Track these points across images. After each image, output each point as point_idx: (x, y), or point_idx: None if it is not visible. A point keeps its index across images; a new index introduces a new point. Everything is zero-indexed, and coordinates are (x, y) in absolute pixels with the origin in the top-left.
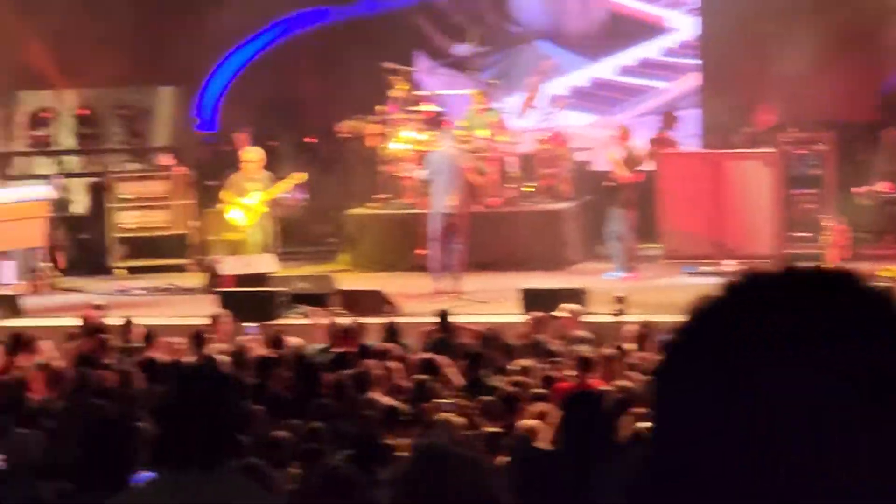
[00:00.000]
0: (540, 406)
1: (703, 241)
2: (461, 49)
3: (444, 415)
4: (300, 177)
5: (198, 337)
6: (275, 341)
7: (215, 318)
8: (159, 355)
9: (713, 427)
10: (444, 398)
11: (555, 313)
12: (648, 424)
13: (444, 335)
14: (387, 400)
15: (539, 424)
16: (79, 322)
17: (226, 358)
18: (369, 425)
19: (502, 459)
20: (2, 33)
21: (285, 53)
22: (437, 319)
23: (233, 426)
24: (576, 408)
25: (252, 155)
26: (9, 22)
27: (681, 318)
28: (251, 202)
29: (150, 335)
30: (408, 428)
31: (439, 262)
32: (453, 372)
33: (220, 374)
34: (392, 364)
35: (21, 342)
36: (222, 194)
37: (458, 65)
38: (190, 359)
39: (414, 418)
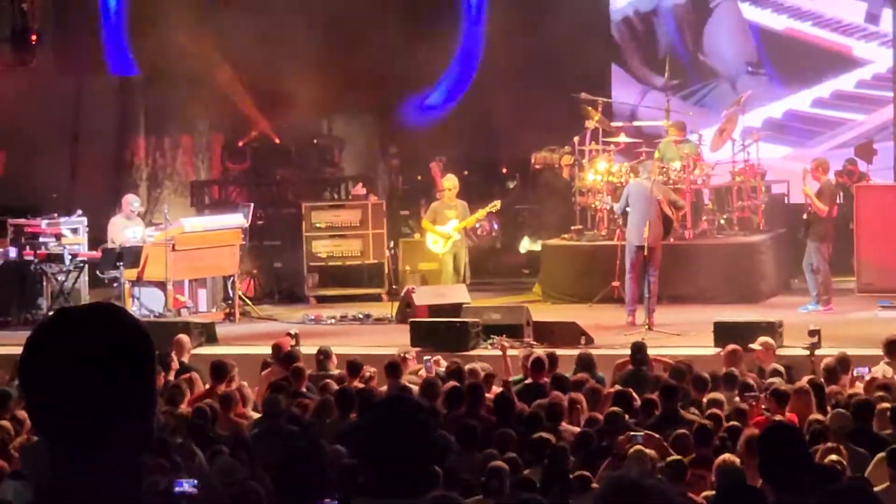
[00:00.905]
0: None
1: None
2: (657, 80)
3: (637, 447)
4: (494, 206)
5: (392, 366)
6: (468, 372)
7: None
8: (353, 384)
9: None
10: (636, 430)
11: (750, 346)
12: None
13: (637, 367)
14: (578, 431)
15: (738, 458)
16: (272, 350)
17: (415, 388)
18: (561, 456)
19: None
20: (200, 65)
21: (480, 84)
22: (631, 352)
23: (431, 457)
24: (774, 442)
25: (449, 183)
26: (206, 54)
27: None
28: (446, 230)
29: (353, 365)
30: (600, 459)
31: (633, 294)
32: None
33: (419, 404)
34: (585, 395)
35: (217, 370)
36: (423, 222)
37: (653, 96)
38: (383, 388)
39: (606, 450)
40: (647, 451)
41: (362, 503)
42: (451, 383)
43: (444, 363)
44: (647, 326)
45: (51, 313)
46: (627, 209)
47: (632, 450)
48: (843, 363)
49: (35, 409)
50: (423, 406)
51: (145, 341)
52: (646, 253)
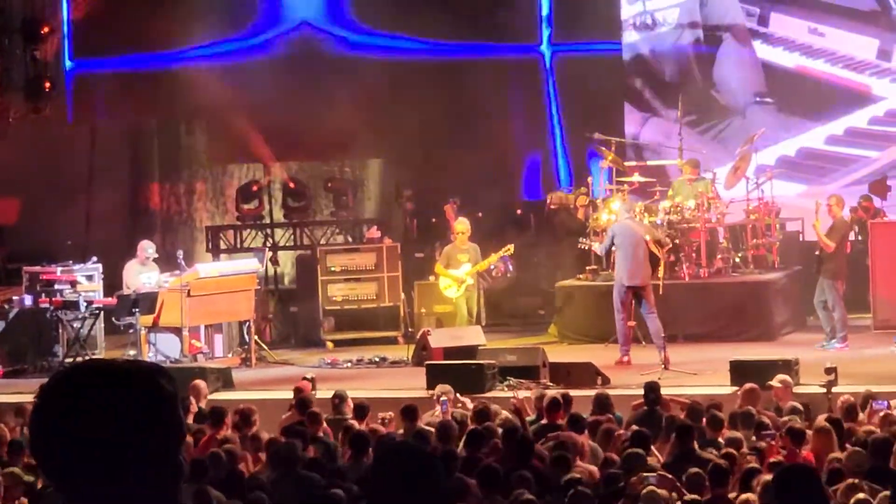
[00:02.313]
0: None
1: None
2: (671, 115)
3: (650, 488)
4: (507, 250)
5: (408, 410)
6: (484, 414)
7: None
8: (369, 428)
9: None
10: (652, 470)
11: (768, 384)
12: (858, 497)
13: (651, 407)
14: (594, 471)
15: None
16: (289, 395)
17: (432, 430)
18: (578, 498)
19: None
20: (214, 108)
21: (493, 124)
22: (644, 392)
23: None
24: (790, 482)
25: (461, 227)
26: (221, 97)
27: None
28: (460, 274)
29: (360, 408)
30: (615, 500)
31: (626, 335)
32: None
33: (424, 449)
34: (601, 436)
35: (234, 415)
36: (437, 267)
37: (666, 133)
38: (400, 432)
39: (621, 491)
40: (661, 491)
41: None
42: (472, 426)
43: (468, 403)
44: (662, 366)
45: (61, 369)
46: (613, 248)
47: (644, 491)
48: (865, 400)
49: (47, 466)
50: (426, 451)
51: (165, 402)
52: (635, 292)
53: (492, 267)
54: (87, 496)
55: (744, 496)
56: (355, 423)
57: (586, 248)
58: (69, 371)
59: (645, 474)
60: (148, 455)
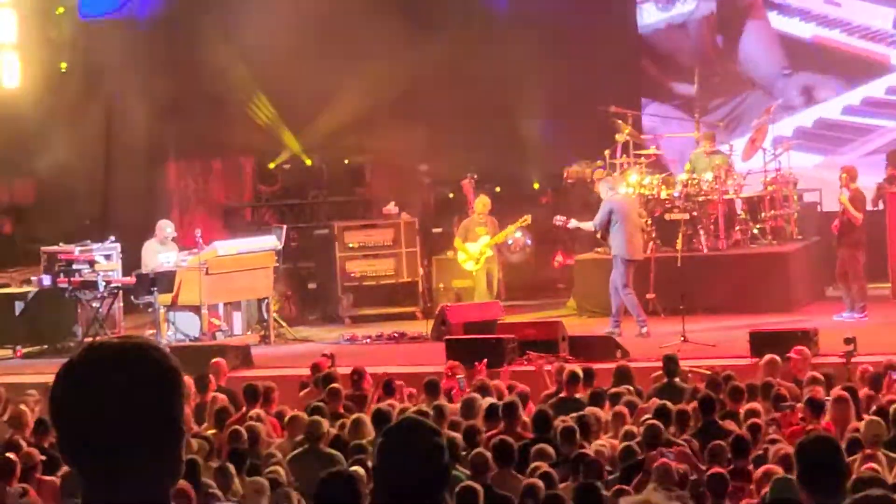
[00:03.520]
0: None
1: None
2: (686, 89)
3: (662, 461)
4: (524, 220)
5: (431, 385)
6: (483, 389)
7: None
8: (391, 404)
9: None
10: (675, 442)
11: (787, 355)
12: (873, 465)
13: (670, 379)
14: (615, 445)
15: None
16: (309, 372)
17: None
18: (595, 471)
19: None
20: (230, 88)
21: (511, 98)
22: (663, 364)
23: (434, 480)
24: (811, 452)
25: (481, 206)
26: (239, 77)
27: None
28: (478, 247)
29: (381, 384)
30: (635, 474)
31: (635, 305)
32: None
33: (432, 429)
34: (622, 409)
35: (256, 393)
36: (455, 241)
37: (685, 107)
38: (422, 407)
39: (639, 465)
40: (677, 465)
41: None
42: (489, 400)
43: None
44: (682, 338)
45: (81, 348)
46: (612, 225)
47: (655, 465)
48: (884, 370)
49: (65, 442)
50: (426, 429)
51: (173, 375)
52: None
53: (510, 241)
54: (99, 470)
55: (764, 467)
56: (376, 400)
57: (560, 224)
58: (83, 349)
59: (662, 449)
60: (150, 421)
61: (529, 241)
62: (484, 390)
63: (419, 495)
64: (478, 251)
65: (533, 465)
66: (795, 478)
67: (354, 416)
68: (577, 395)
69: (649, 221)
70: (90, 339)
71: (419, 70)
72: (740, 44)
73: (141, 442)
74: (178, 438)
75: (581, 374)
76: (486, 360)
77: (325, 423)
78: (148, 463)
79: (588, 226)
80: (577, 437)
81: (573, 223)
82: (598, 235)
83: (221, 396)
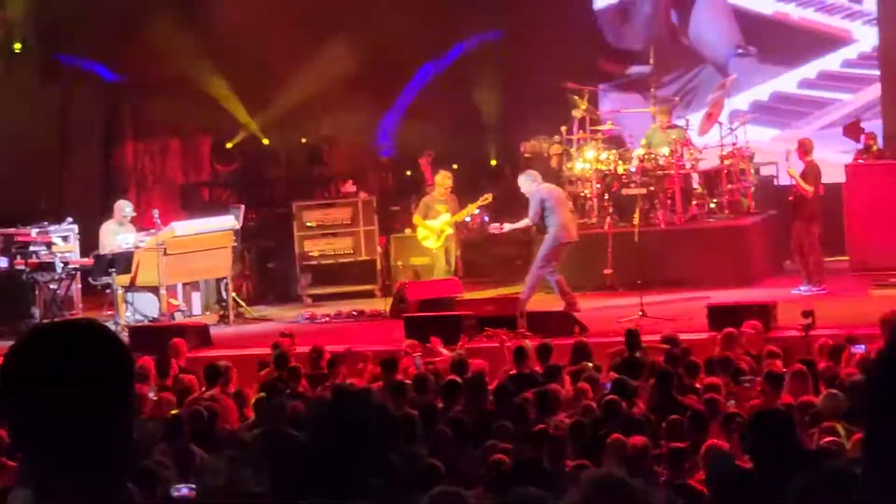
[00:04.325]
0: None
1: (890, 252)
2: (640, 69)
3: (617, 436)
4: (485, 199)
5: (387, 363)
6: (461, 365)
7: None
8: (349, 382)
9: None
10: (631, 419)
11: (743, 329)
12: (834, 440)
13: (631, 354)
14: (570, 421)
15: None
16: (268, 351)
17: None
18: (555, 449)
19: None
20: (187, 68)
21: (467, 76)
22: (625, 339)
23: (374, 456)
24: (763, 426)
25: (443, 180)
26: (196, 56)
27: (872, 330)
28: (438, 224)
29: (338, 362)
30: (597, 449)
31: (533, 284)
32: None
33: (366, 403)
34: (581, 385)
35: (214, 372)
36: (415, 218)
37: (638, 85)
38: (379, 384)
39: (599, 440)
40: (631, 440)
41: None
42: (450, 377)
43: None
44: (640, 313)
45: (27, 330)
46: (546, 213)
47: (609, 440)
48: (843, 343)
49: (13, 426)
50: (371, 404)
51: (121, 355)
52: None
53: (468, 218)
54: (45, 452)
55: (713, 441)
56: (334, 378)
57: (496, 231)
58: (29, 332)
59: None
60: (100, 402)
61: (487, 219)
62: (462, 367)
63: (345, 469)
64: (438, 228)
65: (492, 441)
66: (749, 450)
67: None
68: (536, 371)
69: (606, 197)
70: (47, 322)
71: (377, 48)
72: (693, 19)
73: (91, 423)
74: (130, 419)
75: (539, 350)
76: (437, 337)
77: (287, 403)
78: (100, 445)
79: (524, 223)
80: (537, 412)
81: (507, 227)
82: (534, 230)
83: (182, 377)
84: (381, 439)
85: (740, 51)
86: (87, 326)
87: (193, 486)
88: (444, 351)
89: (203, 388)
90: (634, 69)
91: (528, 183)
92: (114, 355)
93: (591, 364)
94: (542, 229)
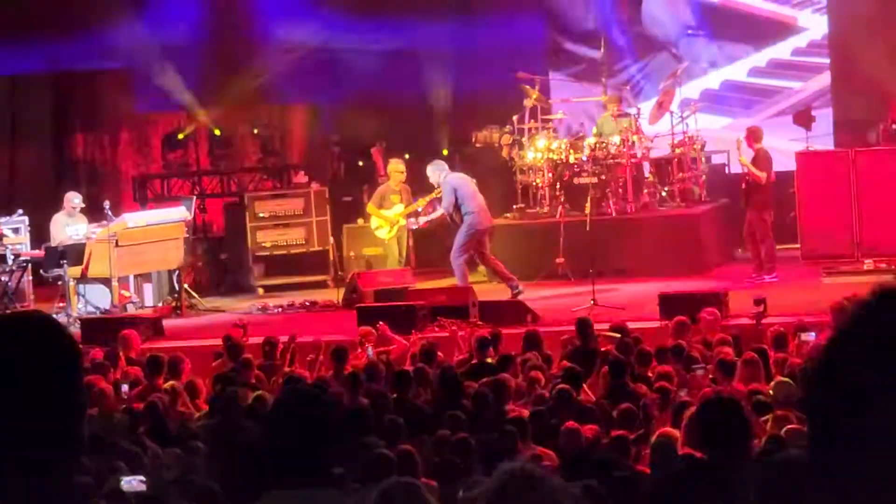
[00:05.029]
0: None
1: (841, 240)
2: (592, 54)
3: (570, 424)
4: (439, 190)
5: (338, 353)
6: (430, 354)
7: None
8: (301, 373)
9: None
10: (581, 407)
11: (697, 316)
12: (788, 428)
13: (584, 343)
14: (524, 411)
15: (678, 431)
16: (221, 342)
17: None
18: (508, 437)
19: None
20: (139, 58)
21: (418, 66)
22: (576, 328)
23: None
24: (715, 414)
25: (396, 168)
26: (147, 46)
27: (823, 318)
28: (392, 214)
29: (291, 353)
30: (550, 438)
31: (464, 274)
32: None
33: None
34: (533, 374)
35: (166, 364)
36: (369, 207)
37: (590, 73)
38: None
39: (555, 428)
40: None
41: (270, 494)
42: (400, 368)
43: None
44: (592, 301)
45: None
46: (463, 201)
47: (563, 428)
48: (794, 331)
49: None
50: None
51: (70, 349)
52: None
53: (419, 209)
54: None
55: (669, 429)
56: (286, 369)
57: (417, 226)
58: None
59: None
60: (48, 396)
61: (439, 209)
62: (430, 356)
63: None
64: (392, 218)
65: (444, 430)
66: (701, 438)
67: (258, 392)
68: (488, 360)
69: (558, 186)
70: None
71: (327, 36)
72: (645, 4)
73: (39, 417)
74: (79, 412)
75: (493, 339)
76: (384, 324)
77: (242, 394)
78: (48, 439)
79: (439, 213)
80: (491, 402)
81: (422, 219)
82: (450, 219)
83: (132, 369)
84: (338, 430)
85: (691, 31)
86: (32, 320)
87: (143, 477)
88: (397, 337)
89: (159, 381)
90: (585, 50)
91: (437, 173)
92: (63, 348)
93: (542, 353)
94: (455, 219)
